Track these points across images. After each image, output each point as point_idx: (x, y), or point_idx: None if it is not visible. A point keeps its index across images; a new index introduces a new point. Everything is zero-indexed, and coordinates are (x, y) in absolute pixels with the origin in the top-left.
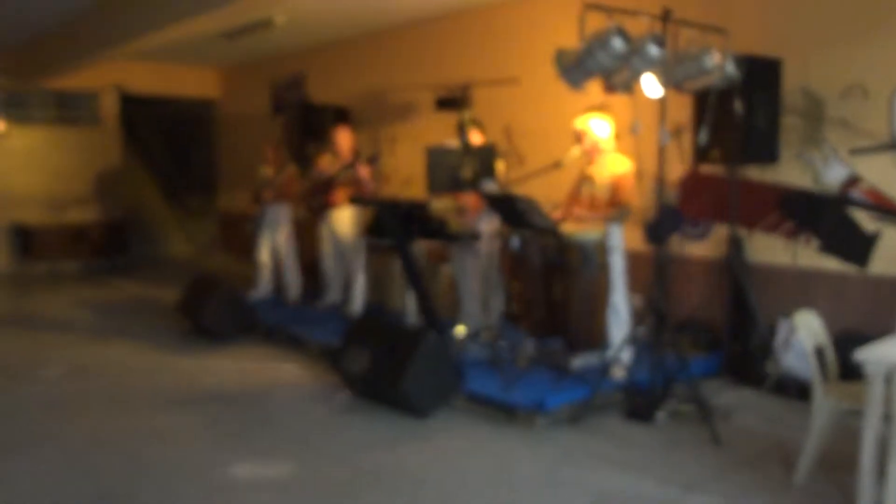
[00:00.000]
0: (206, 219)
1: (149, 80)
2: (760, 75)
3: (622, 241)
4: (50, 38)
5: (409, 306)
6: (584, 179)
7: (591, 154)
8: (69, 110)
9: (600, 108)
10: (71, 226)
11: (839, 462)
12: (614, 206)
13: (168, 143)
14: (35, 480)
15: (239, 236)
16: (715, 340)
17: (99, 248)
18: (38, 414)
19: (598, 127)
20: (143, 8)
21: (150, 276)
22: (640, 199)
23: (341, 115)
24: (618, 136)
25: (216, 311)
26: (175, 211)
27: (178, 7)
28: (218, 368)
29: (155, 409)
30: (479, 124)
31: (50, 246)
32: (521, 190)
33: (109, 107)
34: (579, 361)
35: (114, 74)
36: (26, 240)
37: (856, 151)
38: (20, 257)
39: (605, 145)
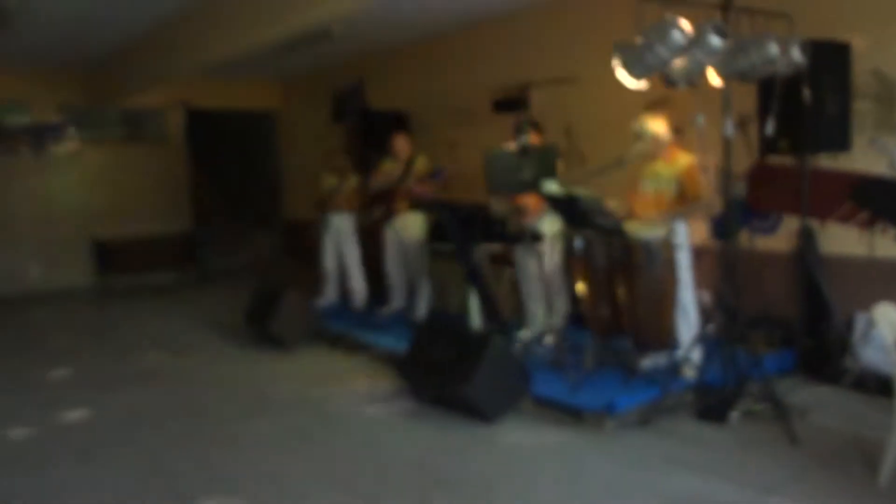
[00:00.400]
0: (272, 228)
1: (213, 95)
2: (828, 60)
3: (687, 238)
4: (119, 59)
5: (473, 310)
6: (648, 177)
7: (653, 151)
8: (138, 128)
9: (661, 102)
10: (144, 240)
11: None
12: (685, 201)
13: (233, 156)
14: (116, 486)
15: (304, 244)
16: (789, 336)
17: (171, 260)
18: (117, 423)
19: (654, 125)
20: (204, 27)
21: (219, 286)
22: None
23: (401, 121)
24: (681, 130)
25: (283, 319)
26: (242, 221)
27: (237, 23)
28: (286, 376)
29: (228, 416)
30: (536, 125)
31: (126, 260)
32: (585, 189)
33: (176, 123)
34: (648, 362)
35: (179, 92)
36: (104, 255)
37: None
38: (100, 271)
39: (664, 141)
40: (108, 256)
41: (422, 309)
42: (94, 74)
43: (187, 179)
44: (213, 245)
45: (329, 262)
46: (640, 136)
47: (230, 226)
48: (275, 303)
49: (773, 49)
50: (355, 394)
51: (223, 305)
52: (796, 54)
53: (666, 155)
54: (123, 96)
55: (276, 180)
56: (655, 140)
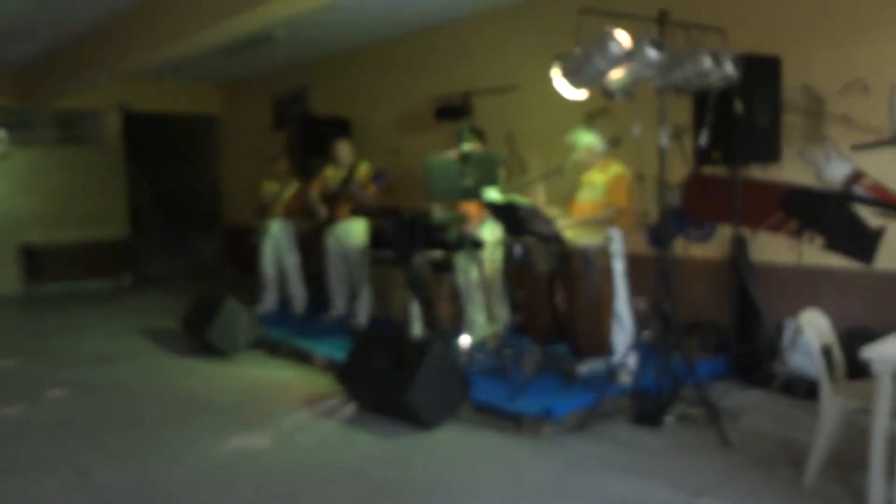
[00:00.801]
0: (212, 233)
1: (151, 98)
2: (760, 74)
3: (622, 246)
4: (53, 60)
5: (413, 317)
6: (584, 186)
7: (588, 162)
8: (72, 130)
9: (600, 113)
10: (77, 246)
11: (849, 462)
12: (607, 207)
13: (172, 160)
14: (44, 500)
15: (244, 250)
16: (722, 342)
17: (106, 267)
18: (47, 434)
19: (587, 137)
20: (143, 28)
21: (156, 292)
22: (642, 202)
23: (343, 127)
24: (619, 140)
25: (222, 327)
26: (180, 227)
27: (177, 24)
28: (224, 384)
29: (163, 427)
30: (479, 133)
31: (57, 267)
32: (524, 197)
33: (112, 126)
34: (585, 368)
35: (116, 94)
36: (34, 261)
37: (858, 147)
38: (29, 279)
39: (597, 152)
40: (39, 263)
41: (362, 316)
42: (26, 75)
43: (124, 184)
44: (151, 251)
45: (269, 268)
46: (573, 147)
47: (168, 231)
48: (213, 310)
49: (708, 63)
50: (294, 402)
51: (160, 312)
52: (729, 68)
53: (601, 164)
54: (57, 97)
55: (217, 186)
56: (589, 151)
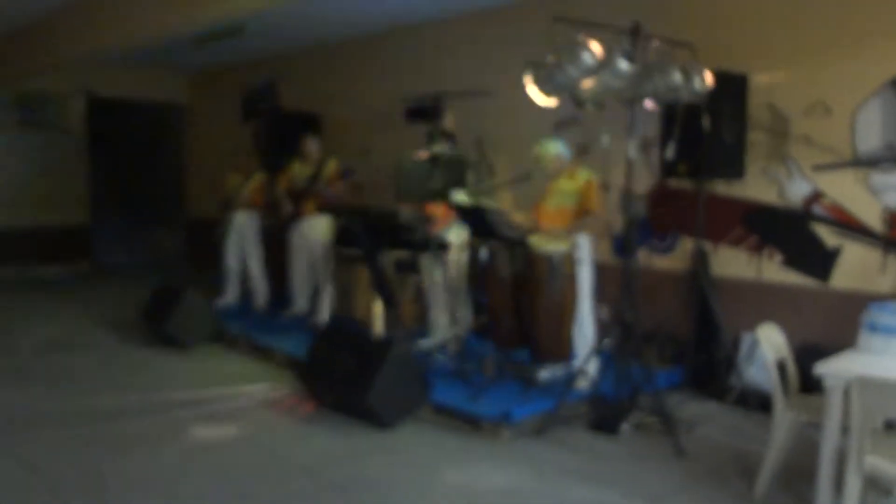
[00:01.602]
0: (174, 225)
1: (118, 84)
2: (727, 90)
3: (590, 254)
4: (14, 41)
5: (376, 317)
6: (552, 193)
7: (555, 170)
8: (34, 114)
9: (570, 121)
10: (34, 231)
11: (799, 473)
12: (582, 215)
13: (136, 148)
14: None
15: (207, 243)
16: (680, 353)
17: (64, 253)
18: None
19: (552, 147)
20: (110, 11)
21: (115, 282)
22: (607, 212)
23: (312, 123)
24: (587, 149)
25: (181, 319)
26: (142, 217)
27: (146, 10)
28: (181, 377)
29: (116, 419)
30: (450, 135)
31: (11, 253)
32: (492, 201)
33: (76, 111)
34: (546, 373)
35: (82, 78)
36: None
37: (819, 167)
38: None
39: (564, 160)
40: None
41: (324, 313)
42: None
43: (86, 170)
44: (111, 239)
45: (231, 261)
46: (538, 160)
47: (130, 220)
48: (173, 301)
49: (677, 76)
50: (252, 398)
51: (118, 303)
52: (698, 83)
53: (568, 171)
54: (18, 80)
55: (181, 176)
56: (557, 160)
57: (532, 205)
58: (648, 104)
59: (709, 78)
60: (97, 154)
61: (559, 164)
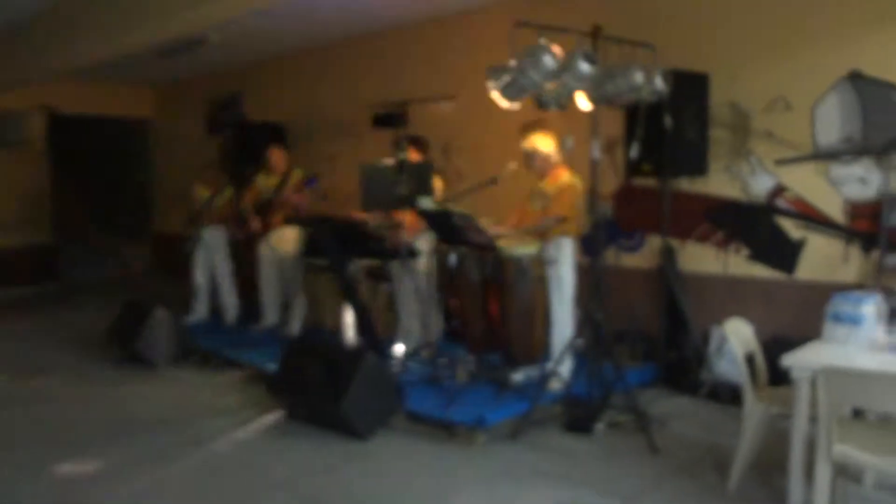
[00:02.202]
0: (141, 241)
1: (80, 99)
2: (688, 90)
3: (571, 254)
4: None
5: (347, 326)
6: (536, 194)
7: (542, 170)
8: None
9: (536, 124)
10: None
11: (771, 465)
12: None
13: (101, 165)
14: None
15: (175, 258)
16: (652, 350)
17: (30, 274)
18: None
19: (544, 143)
20: (73, 27)
21: (82, 302)
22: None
23: (278, 134)
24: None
25: (150, 337)
26: (108, 234)
27: (109, 25)
28: (152, 396)
29: (87, 440)
30: (418, 142)
31: None
32: (460, 207)
33: (37, 128)
34: (520, 376)
35: (42, 94)
36: None
37: (780, 162)
38: None
39: (553, 160)
40: None
41: (295, 325)
42: None
43: (49, 188)
44: (77, 258)
45: (200, 276)
46: (530, 155)
47: (96, 238)
48: (142, 319)
49: (639, 77)
50: (224, 413)
51: (86, 322)
52: (659, 83)
53: (552, 174)
54: None
55: (147, 191)
56: (545, 159)
57: (503, 206)
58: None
59: (669, 78)
60: (61, 171)
61: (545, 164)
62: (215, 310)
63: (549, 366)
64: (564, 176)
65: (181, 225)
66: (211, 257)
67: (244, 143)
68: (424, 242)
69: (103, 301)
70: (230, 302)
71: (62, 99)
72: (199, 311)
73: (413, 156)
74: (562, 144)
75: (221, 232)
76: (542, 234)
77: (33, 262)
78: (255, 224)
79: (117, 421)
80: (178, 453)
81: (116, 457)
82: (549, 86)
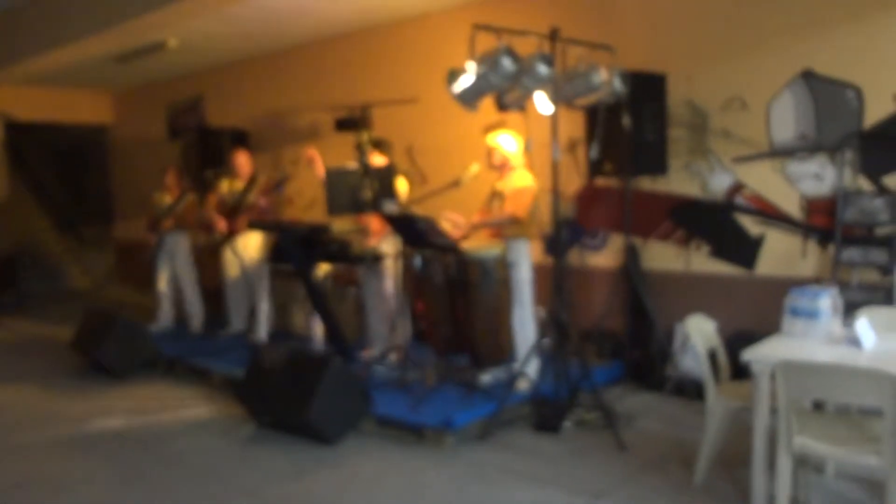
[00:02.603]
0: (102, 249)
1: (37, 105)
2: (647, 90)
3: (528, 256)
4: None
5: (315, 331)
6: (495, 195)
7: (501, 169)
8: None
9: (498, 125)
10: None
11: (735, 459)
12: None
13: (59, 171)
14: None
15: (137, 266)
16: (618, 348)
17: None
18: None
19: (507, 143)
20: (29, 31)
21: (42, 312)
22: (539, 213)
23: (240, 139)
24: None
25: (113, 346)
26: (68, 242)
27: (66, 30)
28: (116, 407)
29: (48, 454)
30: (381, 145)
31: None
32: (423, 209)
33: None
34: (487, 377)
35: None
36: None
37: (738, 160)
38: None
39: (514, 161)
40: None
41: (262, 331)
42: None
43: (6, 196)
44: (36, 268)
45: (163, 284)
46: (489, 153)
47: (56, 247)
48: (104, 329)
49: (597, 78)
50: (190, 422)
51: (46, 333)
52: (618, 84)
53: (509, 174)
54: None
55: (108, 199)
56: (504, 158)
57: (466, 209)
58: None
59: (627, 79)
60: (18, 179)
61: (506, 163)
62: (181, 317)
63: (516, 366)
64: (521, 177)
65: (143, 232)
66: (174, 264)
67: (205, 148)
68: (390, 246)
69: (64, 311)
70: (196, 310)
71: (19, 105)
72: (164, 318)
73: (376, 159)
74: (524, 146)
75: (184, 238)
76: (497, 233)
77: None
78: (222, 225)
79: (78, 434)
80: (143, 461)
81: (78, 468)
82: (509, 88)
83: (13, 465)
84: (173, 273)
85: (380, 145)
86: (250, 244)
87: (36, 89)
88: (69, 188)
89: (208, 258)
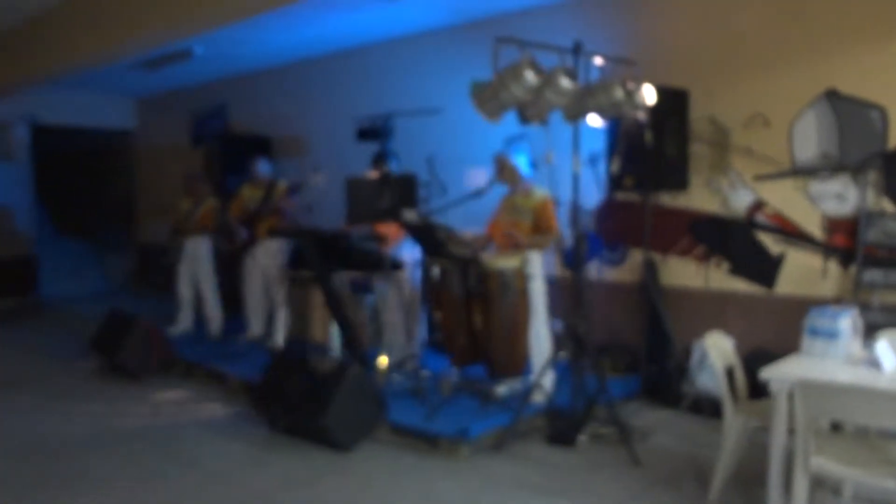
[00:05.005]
0: (124, 253)
1: (62, 110)
2: (669, 105)
3: (542, 268)
4: None
5: (332, 338)
6: (507, 209)
7: (512, 184)
8: None
9: (519, 138)
10: None
11: (751, 478)
12: (538, 232)
13: (83, 176)
14: None
15: (158, 270)
16: (634, 363)
17: (8, 286)
18: None
19: (516, 158)
20: (57, 38)
21: (63, 313)
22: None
23: (262, 146)
24: (535, 166)
25: (133, 348)
26: (91, 246)
27: (94, 36)
28: (134, 409)
29: (68, 455)
30: (393, 154)
31: None
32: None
33: (19, 139)
34: (503, 389)
35: (24, 105)
36: None
37: (760, 178)
38: None
39: (523, 174)
40: None
41: (279, 337)
42: None
43: (31, 199)
44: (58, 270)
45: (184, 288)
46: (499, 167)
47: (78, 249)
48: (124, 331)
49: (619, 93)
50: (207, 426)
51: (67, 334)
52: (640, 99)
53: (524, 189)
54: None
55: (130, 202)
56: (513, 172)
57: (486, 221)
58: (593, 119)
59: (650, 93)
60: (42, 182)
61: (515, 178)
62: (200, 321)
63: (532, 378)
64: (538, 191)
65: (165, 236)
66: (195, 269)
67: (229, 155)
68: (408, 254)
69: (85, 313)
70: (215, 314)
71: (45, 109)
72: (183, 322)
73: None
74: (545, 159)
75: (205, 243)
76: (513, 244)
77: (14, 274)
78: (242, 234)
79: (98, 435)
80: (158, 465)
81: (96, 469)
82: (532, 101)
83: (31, 465)
84: (194, 277)
85: (392, 154)
86: (269, 250)
87: (61, 93)
88: (92, 192)
89: (229, 263)
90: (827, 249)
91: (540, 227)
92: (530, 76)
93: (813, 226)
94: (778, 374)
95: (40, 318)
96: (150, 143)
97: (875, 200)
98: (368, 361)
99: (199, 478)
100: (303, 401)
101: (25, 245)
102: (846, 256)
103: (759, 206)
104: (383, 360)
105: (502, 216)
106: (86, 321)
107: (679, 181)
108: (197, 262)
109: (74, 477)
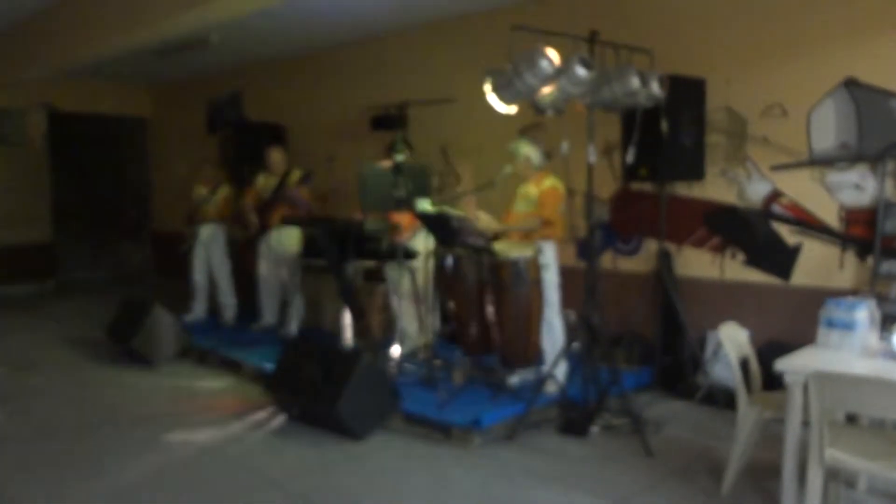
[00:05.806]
0: (140, 240)
1: (79, 97)
2: (685, 95)
3: (555, 258)
4: None
5: (344, 327)
6: (519, 198)
7: (524, 173)
8: None
9: (534, 127)
10: None
11: (765, 469)
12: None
13: (100, 163)
14: None
15: (173, 257)
16: (647, 354)
17: (28, 272)
18: None
19: (527, 148)
20: (73, 25)
21: (81, 299)
22: (572, 217)
23: (277, 134)
24: (549, 155)
25: (148, 335)
26: (107, 232)
27: (109, 24)
28: (149, 395)
29: (81, 438)
30: (407, 144)
31: None
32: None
33: (37, 125)
34: (516, 378)
35: (42, 92)
36: None
37: (776, 168)
38: None
39: (535, 164)
40: None
41: (293, 325)
42: None
43: (48, 186)
44: (75, 255)
45: (198, 275)
46: (513, 156)
47: (94, 235)
48: (140, 317)
49: (635, 82)
50: (221, 412)
51: (84, 320)
52: (655, 88)
53: (536, 178)
54: None
55: (146, 190)
56: (526, 162)
57: (499, 211)
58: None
59: (665, 83)
60: (59, 169)
61: (528, 168)
62: (214, 309)
63: (545, 368)
64: (547, 179)
65: (180, 223)
66: (209, 256)
67: (243, 143)
68: (421, 243)
69: (101, 299)
70: (228, 301)
71: (62, 97)
72: (198, 309)
73: (397, 157)
74: (559, 148)
75: (220, 231)
76: (527, 236)
77: (31, 260)
78: (255, 222)
79: (113, 419)
80: (173, 450)
81: (112, 457)
82: (546, 90)
83: (48, 445)
84: (208, 265)
85: (407, 145)
86: (284, 239)
87: (77, 81)
88: (109, 179)
89: (244, 251)
90: (844, 240)
91: (536, 214)
92: (545, 64)
93: (830, 216)
94: (793, 365)
95: (58, 303)
96: (166, 131)
97: (894, 191)
98: (381, 350)
99: (213, 464)
100: (316, 389)
101: (44, 232)
102: (863, 247)
103: (775, 196)
104: (396, 350)
105: (516, 206)
106: (102, 307)
107: (695, 171)
108: (211, 249)
109: (87, 461)
